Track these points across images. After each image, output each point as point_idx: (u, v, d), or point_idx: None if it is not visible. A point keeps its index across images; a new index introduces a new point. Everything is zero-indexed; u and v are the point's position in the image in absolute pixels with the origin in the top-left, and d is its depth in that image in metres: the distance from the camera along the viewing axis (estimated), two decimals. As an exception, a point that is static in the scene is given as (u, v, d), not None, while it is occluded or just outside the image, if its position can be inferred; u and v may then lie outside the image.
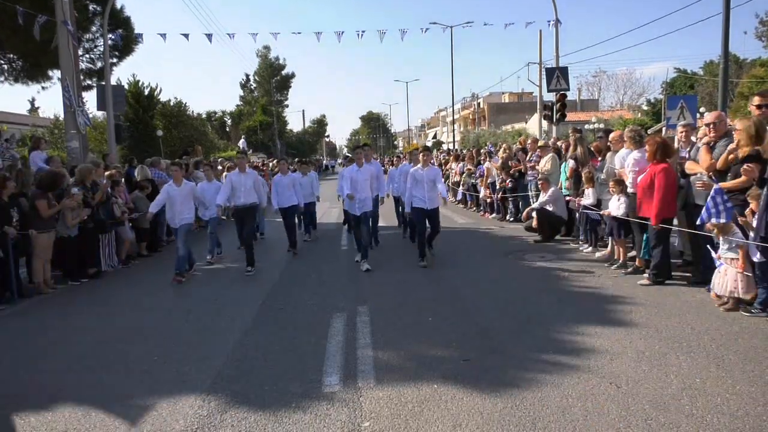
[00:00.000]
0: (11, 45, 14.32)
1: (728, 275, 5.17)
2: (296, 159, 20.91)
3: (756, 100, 5.64)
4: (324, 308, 5.86)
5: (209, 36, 16.44)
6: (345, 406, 3.56)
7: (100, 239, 8.35)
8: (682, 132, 6.80)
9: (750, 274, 5.05)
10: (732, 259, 5.15)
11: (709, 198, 5.12)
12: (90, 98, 22.42)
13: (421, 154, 8.56)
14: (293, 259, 8.99)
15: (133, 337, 5.21)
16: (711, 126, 5.71)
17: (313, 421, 3.37)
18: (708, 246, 5.62)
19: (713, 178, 5.38)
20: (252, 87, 59.56)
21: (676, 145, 6.94)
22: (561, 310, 5.45)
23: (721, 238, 5.28)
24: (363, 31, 18.58)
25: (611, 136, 7.85)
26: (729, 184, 5.27)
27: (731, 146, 5.33)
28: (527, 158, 12.04)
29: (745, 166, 4.99)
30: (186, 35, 16.19)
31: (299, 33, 17.65)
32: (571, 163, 8.77)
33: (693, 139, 6.71)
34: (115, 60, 17.37)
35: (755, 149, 5.06)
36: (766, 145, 5.04)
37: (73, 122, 12.08)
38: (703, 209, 5.17)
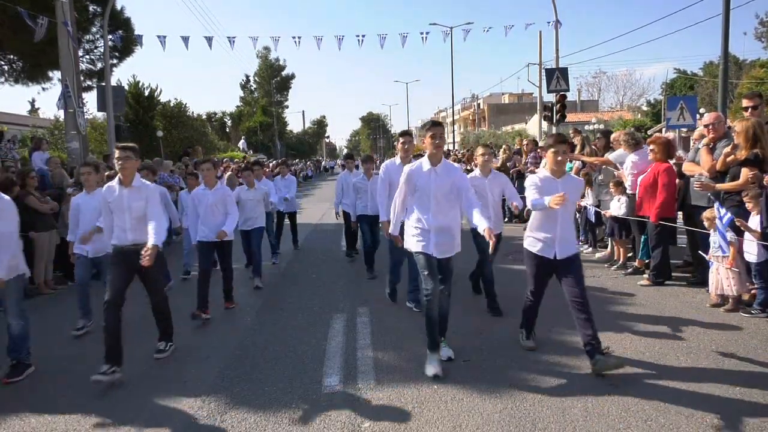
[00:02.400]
0: (12, 46, 14.34)
1: (720, 273, 5.20)
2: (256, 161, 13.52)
3: (744, 102, 5.69)
4: (324, 309, 5.86)
5: (209, 39, 16.40)
6: (345, 406, 3.56)
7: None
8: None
9: (738, 270, 5.09)
10: (723, 257, 5.18)
11: (718, 223, 5.13)
12: (90, 99, 22.49)
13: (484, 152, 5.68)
14: (293, 260, 8.99)
15: (133, 338, 5.20)
16: (710, 127, 5.74)
17: (313, 422, 3.38)
18: (700, 252, 5.67)
19: (716, 199, 5.38)
20: (252, 88, 59.54)
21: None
22: (561, 311, 5.44)
23: (711, 237, 5.32)
24: (363, 36, 18.49)
25: (612, 137, 7.87)
26: (727, 186, 5.30)
27: (726, 149, 5.35)
28: (523, 161, 12.05)
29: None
30: (186, 38, 16.15)
31: (299, 37, 17.56)
32: (578, 163, 8.77)
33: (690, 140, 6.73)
34: (115, 61, 17.39)
35: (753, 152, 5.08)
36: (764, 147, 5.07)
37: (73, 123, 12.10)
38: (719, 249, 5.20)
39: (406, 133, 5.68)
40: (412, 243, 4.12)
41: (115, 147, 4.37)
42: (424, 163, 4.06)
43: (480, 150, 5.75)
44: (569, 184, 4.08)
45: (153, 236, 4.26)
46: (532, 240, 4.16)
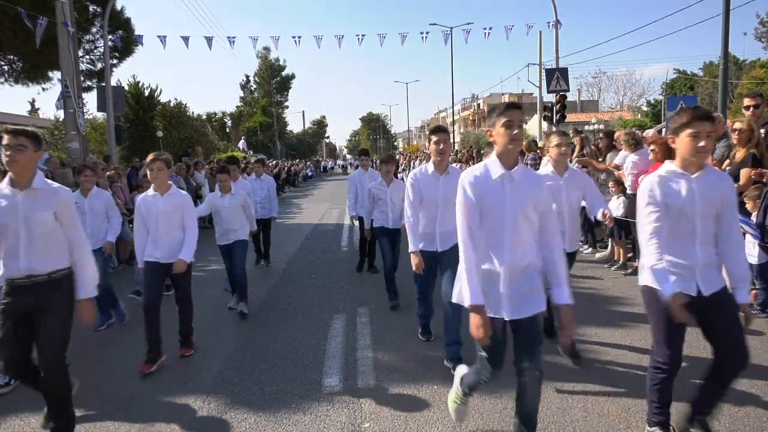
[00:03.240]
0: (12, 46, 14.34)
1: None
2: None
3: (745, 101, 5.70)
4: (324, 309, 5.86)
5: (209, 40, 16.39)
6: (345, 407, 3.56)
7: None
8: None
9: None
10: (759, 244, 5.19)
11: (748, 228, 5.09)
12: (90, 99, 22.50)
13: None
14: (293, 260, 8.98)
15: (133, 338, 5.20)
16: None
17: (313, 422, 3.38)
18: None
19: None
20: (252, 88, 59.62)
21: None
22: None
23: None
24: (363, 35, 18.50)
25: (614, 136, 7.90)
26: None
27: (727, 166, 5.35)
28: (523, 160, 12.06)
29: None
30: (186, 38, 16.16)
31: (299, 37, 17.44)
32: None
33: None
34: (115, 61, 17.40)
35: (751, 153, 5.08)
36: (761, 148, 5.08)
37: (73, 123, 12.11)
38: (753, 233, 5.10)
39: (440, 129, 4.12)
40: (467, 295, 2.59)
41: (4, 132, 3.00)
42: (492, 167, 2.60)
43: (554, 139, 4.10)
44: (708, 186, 2.67)
45: (84, 285, 3.05)
46: (658, 271, 2.65)
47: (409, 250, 4.17)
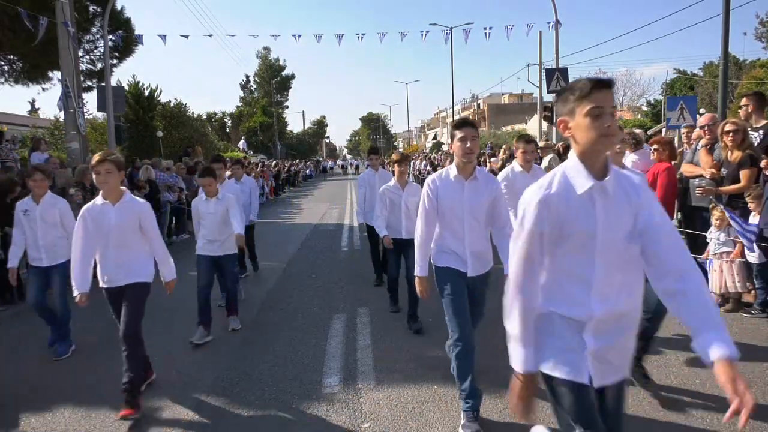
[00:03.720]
0: (12, 46, 14.34)
1: (724, 271, 5.22)
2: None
3: (743, 101, 5.72)
4: (324, 309, 5.86)
5: (209, 36, 16.41)
6: (345, 407, 3.57)
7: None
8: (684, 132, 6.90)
9: (744, 261, 5.12)
10: (726, 252, 5.20)
11: (735, 225, 5.10)
12: (90, 99, 22.48)
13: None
14: (293, 260, 8.98)
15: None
16: (706, 128, 5.78)
17: (313, 422, 3.38)
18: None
19: (723, 200, 5.32)
20: (252, 88, 59.62)
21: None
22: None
23: (710, 236, 5.35)
24: (363, 34, 18.52)
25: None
26: (730, 188, 5.30)
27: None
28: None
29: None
30: (186, 36, 16.20)
31: (299, 35, 17.42)
32: None
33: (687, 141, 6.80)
34: (115, 61, 17.40)
35: (748, 153, 5.09)
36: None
37: (73, 123, 12.11)
38: (744, 240, 5.07)
39: (466, 123, 3.26)
40: (548, 363, 1.88)
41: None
42: (575, 177, 1.79)
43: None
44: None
45: None
46: None
47: (414, 274, 3.44)
